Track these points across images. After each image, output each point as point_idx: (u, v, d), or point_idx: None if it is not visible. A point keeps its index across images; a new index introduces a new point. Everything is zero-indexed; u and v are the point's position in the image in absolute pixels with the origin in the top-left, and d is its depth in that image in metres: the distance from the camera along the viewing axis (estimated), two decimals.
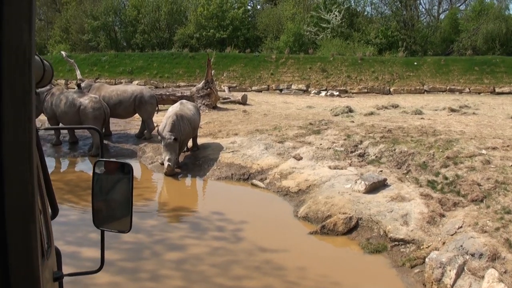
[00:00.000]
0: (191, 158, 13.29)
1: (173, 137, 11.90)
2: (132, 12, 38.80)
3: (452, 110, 19.25)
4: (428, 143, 12.42)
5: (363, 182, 10.07)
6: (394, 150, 12.19)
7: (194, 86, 23.50)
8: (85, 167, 13.23)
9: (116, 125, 16.20)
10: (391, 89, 28.66)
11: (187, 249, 7.97)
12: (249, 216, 9.61)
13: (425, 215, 9.13)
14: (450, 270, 7.27)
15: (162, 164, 12.28)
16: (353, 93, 28.15)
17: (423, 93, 28.42)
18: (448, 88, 28.51)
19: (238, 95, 22.30)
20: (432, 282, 7.28)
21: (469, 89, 28.29)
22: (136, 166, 12.96)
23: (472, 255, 7.58)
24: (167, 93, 19.60)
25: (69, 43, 39.85)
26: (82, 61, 30.01)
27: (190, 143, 13.61)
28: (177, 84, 28.24)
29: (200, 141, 14.02)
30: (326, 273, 7.45)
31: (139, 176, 12.29)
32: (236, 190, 11.59)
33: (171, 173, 12.01)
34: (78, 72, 18.54)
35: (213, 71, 20.60)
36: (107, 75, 29.94)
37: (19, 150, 1.18)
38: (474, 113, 18.70)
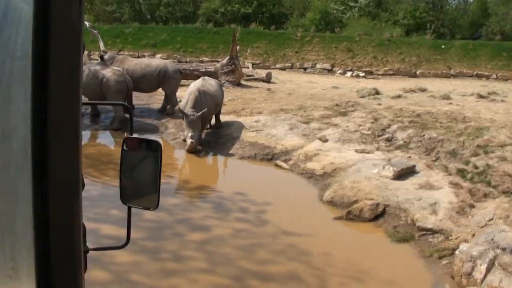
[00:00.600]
0: (214, 135, 13.08)
1: (196, 113, 11.69)
2: None
3: (481, 97, 18.73)
4: (458, 129, 12.07)
5: (391, 168, 9.79)
6: (423, 135, 11.85)
7: (218, 61, 23.18)
8: (106, 140, 13.12)
9: (138, 99, 15.97)
10: (418, 72, 28.10)
11: (210, 230, 7.80)
12: (273, 198, 9.40)
13: (455, 205, 8.85)
14: (480, 265, 7.00)
15: (185, 140, 12.07)
16: (378, 74, 27.64)
17: (450, 77, 27.83)
18: (475, 73, 27.88)
19: (262, 73, 21.96)
20: (461, 276, 7.03)
21: (496, 75, 27.65)
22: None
23: (504, 249, 7.30)
24: (191, 68, 19.33)
25: (93, 13, 39.60)
26: (105, 33, 29.68)
27: (213, 120, 13.35)
28: (201, 59, 27.92)
29: (223, 118, 13.79)
30: (352, 261, 7.24)
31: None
32: (259, 171, 11.38)
33: (193, 150, 11.83)
34: (101, 44, 18.28)
35: (238, 47, 20.26)
36: (130, 48, 29.67)
37: (67, 126, 1.18)
38: (503, 101, 18.17)
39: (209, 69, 19.23)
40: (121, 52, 18.64)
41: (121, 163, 2.28)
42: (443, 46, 29.67)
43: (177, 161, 11.95)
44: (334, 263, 7.09)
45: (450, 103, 16.53)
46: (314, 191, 10.08)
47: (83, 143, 11.93)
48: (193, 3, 38.45)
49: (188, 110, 11.80)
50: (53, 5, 1.09)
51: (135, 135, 2.61)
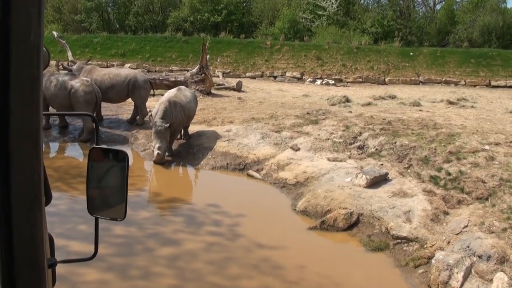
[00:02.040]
0: (185, 146, 12.85)
1: (164, 124, 11.47)
2: None
3: (450, 103, 18.93)
4: (430, 136, 12.07)
5: (364, 176, 9.70)
6: (395, 143, 11.82)
7: (187, 70, 22.99)
8: (75, 153, 12.77)
9: (107, 109, 15.67)
10: (387, 79, 28.34)
11: (181, 244, 7.56)
12: (245, 209, 9.22)
13: (429, 213, 8.80)
14: (457, 273, 6.94)
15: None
16: (348, 82, 27.79)
17: (419, 84, 28.16)
18: (443, 80, 28.25)
19: (232, 82, 21.84)
20: (438, 285, 6.95)
21: (464, 81, 28.06)
22: (128, 153, 12.48)
23: (480, 257, 7.26)
24: (160, 78, 19.07)
25: (61, 23, 39.06)
26: (74, 42, 29.36)
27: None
28: (170, 68, 27.73)
29: (194, 128, 13.57)
30: (327, 273, 7.10)
31: (131, 164, 11.84)
32: (231, 181, 11.19)
33: (160, 162, 11.60)
34: (69, 54, 17.95)
35: (208, 56, 20.08)
36: (99, 57, 29.34)
37: (27, 138, 1.19)
38: (472, 106, 18.40)
39: (179, 79, 19.00)
40: (90, 62, 18.25)
41: (87, 174, 2.26)
42: (411, 54, 30.01)
43: (148, 173, 11.67)
44: (308, 277, 6.93)
45: (420, 110, 16.62)
46: (287, 201, 9.94)
47: (51, 155, 11.58)
48: (162, 13, 38.20)
49: (157, 121, 11.58)
50: (12, 17, 1.09)
51: (102, 146, 2.64)
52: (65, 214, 8.14)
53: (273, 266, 7.09)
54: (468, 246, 7.48)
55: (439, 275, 6.98)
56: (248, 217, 8.86)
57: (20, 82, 1.14)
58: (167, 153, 11.92)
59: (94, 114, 13.68)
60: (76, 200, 8.80)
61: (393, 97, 20.00)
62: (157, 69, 27.68)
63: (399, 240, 8.29)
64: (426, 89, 25.36)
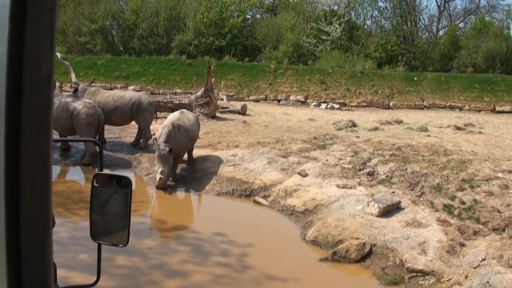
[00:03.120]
0: (189, 170, 12.52)
1: (167, 148, 11.17)
2: (131, 17, 38.03)
3: (458, 128, 18.67)
4: (441, 163, 11.76)
5: (376, 205, 9.36)
6: (406, 169, 11.50)
7: (191, 93, 22.83)
8: (77, 177, 12.42)
9: (110, 132, 15.37)
10: (391, 104, 28.20)
11: (188, 276, 7.19)
12: (253, 238, 8.87)
13: (444, 244, 8.44)
14: None
15: None
16: (352, 106, 27.64)
17: (423, 109, 28.00)
18: (448, 104, 28.11)
19: (237, 105, 21.61)
20: None
21: (469, 106, 27.93)
22: (131, 177, 12.15)
23: None
24: (165, 100, 18.82)
25: (66, 45, 39.03)
26: (78, 64, 29.25)
27: (185, 156, 12.80)
28: (174, 91, 27.56)
29: (199, 152, 13.27)
30: None
31: (134, 189, 11.49)
32: (238, 208, 10.85)
33: (162, 187, 11.27)
34: (73, 75, 17.74)
35: (213, 79, 19.88)
36: (102, 79, 29.20)
37: (38, 164, 1.22)
38: (480, 132, 18.13)
39: (183, 101, 18.75)
40: (93, 84, 18.04)
41: (91, 200, 2.30)
42: (415, 78, 29.90)
43: (151, 198, 11.33)
44: None
45: (428, 135, 16.33)
46: (296, 229, 9.59)
47: (52, 179, 11.32)
48: (166, 36, 38.15)
49: (160, 144, 11.29)
50: (26, 48, 1.13)
51: (105, 171, 2.73)
52: (66, 242, 7.77)
53: None
54: (488, 282, 7.12)
55: None
56: (257, 247, 8.50)
57: (31, 112, 1.18)
58: (170, 178, 11.60)
59: (97, 137, 13.41)
60: (77, 227, 8.43)
61: (399, 122, 19.75)
62: (160, 91, 27.52)
63: (414, 273, 7.92)
64: (432, 114, 25.14)
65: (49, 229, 1.30)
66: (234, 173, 12.02)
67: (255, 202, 11.00)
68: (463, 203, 9.90)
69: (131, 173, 12.54)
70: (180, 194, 11.61)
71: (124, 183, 2.42)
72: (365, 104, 28.16)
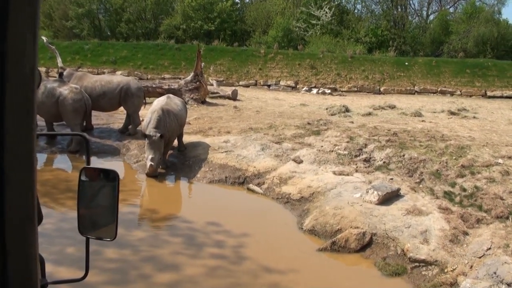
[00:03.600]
0: (180, 157, 12.10)
1: (158, 134, 10.75)
2: (117, 0, 37.30)
3: (452, 113, 18.40)
4: (439, 149, 11.45)
5: (375, 192, 9.02)
6: (403, 155, 11.18)
7: (180, 78, 22.38)
8: (64, 165, 11.92)
9: (98, 118, 14.87)
10: (382, 89, 27.94)
11: (181, 269, 6.80)
12: (249, 228, 8.49)
13: (447, 233, 8.14)
14: None
15: None
16: (343, 91, 27.33)
17: (414, 94, 27.77)
18: (439, 89, 27.90)
19: (227, 90, 21.17)
20: None
21: (460, 91, 27.71)
22: (120, 165, 11.73)
23: (509, 285, 6.59)
24: (154, 85, 18.31)
25: (52, 29, 38.27)
26: (64, 49, 28.61)
27: (175, 142, 12.37)
28: (162, 76, 27.06)
29: (189, 139, 12.86)
30: None
31: (123, 177, 11.03)
32: (231, 196, 10.46)
33: (153, 174, 10.87)
34: (59, 60, 17.18)
35: (203, 64, 19.37)
36: (90, 64, 28.62)
37: (22, 159, 1.21)
38: (474, 117, 17.88)
39: (172, 86, 18.27)
40: (80, 69, 17.49)
41: (78, 194, 2.30)
42: (406, 63, 29.65)
43: (141, 187, 10.88)
44: None
45: (423, 121, 16.04)
46: (292, 218, 9.23)
47: (38, 167, 10.79)
48: (154, 20, 37.50)
49: (150, 130, 10.87)
50: (8, 41, 1.11)
51: (93, 161, 2.84)
52: (52, 235, 7.34)
53: None
54: (495, 273, 6.81)
55: None
56: (252, 236, 8.14)
57: (14, 105, 1.16)
58: (161, 165, 11.20)
59: (84, 124, 12.91)
60: (64, 219, 7.99)
61: (392, 107, 19.44)
62: (149, 76, 27.02)
63: (417, 264, 7.61)
64: (424, 99, 24.87)
65: (34, 223, 1.28)
66: (226, 160, 11.63)
67: (249, 190, 10.64)
68: (464, 190, 9.61)
69: (119, 160, 12.10)
70: (171, 182, 11.21)
71: (111, 177, 2.39)
72: (356, 89, 27.87)
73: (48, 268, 5.99)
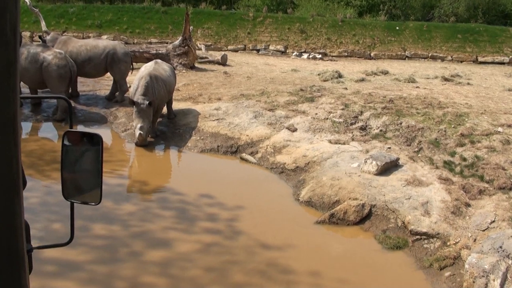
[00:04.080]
0: (170, 126, 11.66)
1: (147, 102, 10.30)
2: None
3: (446, 80, 18.00)
4: (437, 116, 11.14)
5: (374, 162, 8.69)
6: (400, 123, 10.85)
7: (167, 43, 21.74)
8: (49, 134, 11.40)
9: (84, 84, 14.25)
10: (372, 54, 27.47)
11: (173, 246, 6.44)
12: (243, 199, 8.15)
13: (449, 204, 7.87)
14: (494, 280, 6.00)
15: None
16: (333, 56, 26.83)
17: (405, 59, 27.35)
18: (430, 55, 27.49)
19: (217, 55, 20.56)
20: None
21: (451, 56, 27.34)
22: (107, 134, 11.25)
23: None
24: (140, 50, 17.65)
25: None
26: (48, 12, 27.70)
27: (164, 109, 11.90)
28: (149, 40, 26.32)
29: (179, 106, 12.40)
30: (345, 277, 6.14)
31: (111, 147, 10.60)
32: (224, 166, 10.07)
33: (142, 144, 10.46)
34: (43, 24, 16.46)
35: (191, 27, 18.72)
36: (75, 28, 27.72)
37: (5, 124, 1.19)
38: (468, 83, 17.52)
39: (160, 51, 17.66)
40: (66, 33, 16.77)
41: (62, 158, 2.29)
42: (397, 28, 29.16)
43: (130, 157, 10.46)
44: (325, 283, 5.96)
45: (417, 87, 15.67)
46: (287, 189, 8.90)
47: (23, 137, 10.30)
48: None
49: (138, 98, 10.41)
50: None
51: (79, 127, 3.09)
52: (36, 211, 6.94)
53: (282, 271, 6.08)
54: (500, 247, 6.54)
55: (473, 282, 6.03)
56: (247, 209, 7.80)
57: None
58: (150, 134, 10.78)
59: (69, 91, 12.38)
60: (50, 191, 7.58)
61: (385, 72, 19.01)
62: (135, 41, 26.25)
63: (418, 237, 7.36)
64: (416, 65, 24.47)
65: (18, 190, 1.27)
66: (218, 128, 11.22)
67: (242, 159, 10.27)
68: (464, 159, 9.31)
69: (107, 129, 11.61)
70: (161, 151, 10.78)
71: (95, 141, 2.35)
72: (346, 54, 27.38)
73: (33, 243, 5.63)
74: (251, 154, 10.35)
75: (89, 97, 13.52)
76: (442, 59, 27.27)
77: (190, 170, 9.92)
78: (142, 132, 10.30)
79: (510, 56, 27.03)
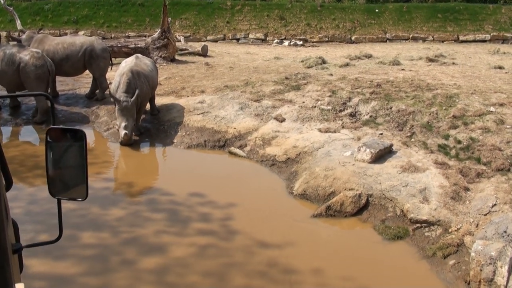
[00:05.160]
0: (154, 122, 11.29)
1: (129, 99, 9.93)
2: None
3: (430, 60, 17.81)
4: (427, 99, 10.92)
5: (368, 150, 8.44)
6: (390, 108, 10.62)
7: (145, 36, 21.32)
8: (30, 138, 10.95)
9: (62, 84, 13.81)
10: (353, 38, 27.28)
11: (167, 251, 6.11)
12: (235, 196, 7.84)
13: (447, 189, 7.65)
14: (501, 266, 5.79)
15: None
16: (313, 42, 26.56)
17: (386, 41, 27.18)
18: (411, 36, 27.37)
19: (197, 46, 20.18)
20: (480, 282, 5.80)
21: (432, 37, 27.25)
22: (90, 134, 10.86)
23: None
24: (119, 45, 17.19)
25: None
26: (24, 10, 27.16)
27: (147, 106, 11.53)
28: (126, 34, 25.83)
29: (162, 101, 12.04)
30: (349, 274, 5.89)
31: (94, 147, 10.20)
32: (213, 161, 9.74)
33: (128, 143, 10.09)
34: (18, 22, 15.95)
35: (169, 19, 18.27)
36: (51, 25, 27.15)
37: None
38: (453, 63, 17.34)
39: (139, 45, 17.22)
40: (42, 31, 16.22)
41: (46, 156, 2.32)
42: (376, 10, 28.95)
43: (115, 158, 10.07)
44: (330, 281, 5.70)
45: (402, 69, 15.45)
46: (280, 182, 8.62)
47: (2, 142, 9.87)
48: None
49: (120, 95, 10.04)
50: None
51: (59, 126, 2.63)
52: (21, 220, 6.56)
53: (284, 271, 5.81)
54: (505, 231, 6.34)
55: (481, 270, 5.81)
56: (241, 206, 7.50)
57: None
58: (134, 132, 10.43)
59: (48, 91, 11.94)
60: (34, 200, 7.18)
61: (369, 56, 18.78)
62: (112, 35, 25.74)
63: (418, 225, 7.14)
64: (398, 46, 24.27)
65: (1, 190, 1.29)
66: (204, 122, 10.89)
67: (231, 153, 9.96)
68: (459, 142, 9.10)
69: (89, 129, 11.21)
70: (147, 149, 10.42)
71: (78, 136, 2.39)
72: (326, 39, 27.13)
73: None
74: (240, 147, 10.05)
75: (68, 96, 13.08)
76: (424, 40, 27.19)
77: (178, 167, 9.55)
78: (127, 132, 9.94)
79: (492, 33, 27.00)
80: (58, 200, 2.38)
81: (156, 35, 17.39)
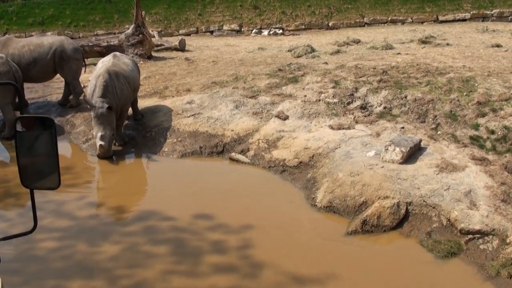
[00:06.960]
0: (139, 128, 9.89)
1: (106, 105, 8.57)
2: None
3: (423, 42, 16.84)
4: (442, 84, 9.83)
5: (397, 149, 7.24)
6: (405, 97, 9.48)
7: (114, 33, 19.88)
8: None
9: (31, 91, 12.27)
10: (330, 24, 26.46)
11: None
12: (249, 214, 6.56)
13: (496, 190, 6.54)
14: None
15: None
16: (290, 30, 25.57)
17: (364, 26, 26.47)
18: (389, 19, 26.67)
19: (173, 41, 18.80)
20: None
21: (411, 18, 26.57)
22: (66, 147, 9.43)
23: None
24: (90, 44, 15.68)
25: None
26: None
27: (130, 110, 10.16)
28: (95, 32, 24.48)
29: (144, 103, 10.69)
30: None
31: (72, 165, 8.65)
32: (213, 171, 8.34)
33: (106, 155, 8.71)
34: None
35: (143, 12, 16.81)
36: (16, 28, 25.76)
37: None
38: (447, 44, 16.38)
39: (112, 43, 15.74)
40: (7, 35, 14.65)
41: (16, 145, 2.33)
42: None
43: (98, 175, 8.59)
44: None
45: (398, 53, 14.38)
46: (296, 192, 7.37)
47: None
48: None
49: (96, 101, 8.66)
50: None
51: (27, 115, 2.75)
52: None
53: None
54: None
55: None
56: (258, 227, 6.22)
57: None
58: (117, 142, 9.10)
59: (16, 101, 10.43)
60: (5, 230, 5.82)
61: (357, 41, 17.69)
62: (80, 35, 24.35)
63: (471, 236, 5.99)
64: (382, 30, 23.27)
65: None
66: (196, 125, 9.56)
67: (232, 159, 8.66)
68: (492, 132, 8.02)
69: (65, 141, 9.70)
70: (133, 162, 8.98)
71: (48, 124, 2.38)
72: (303, 26, 26.23)
73: None
74: (242, 152, 8.76)
75: (39, 105, 11.53)
76: (403, 22, 26.57)
77: (174, 182, 8.04)
78: (103, 143, 8.52)
79: (472, 12, 26.36)
80: (31, 190, 2.36)
81: (130, 31, 15.94)
